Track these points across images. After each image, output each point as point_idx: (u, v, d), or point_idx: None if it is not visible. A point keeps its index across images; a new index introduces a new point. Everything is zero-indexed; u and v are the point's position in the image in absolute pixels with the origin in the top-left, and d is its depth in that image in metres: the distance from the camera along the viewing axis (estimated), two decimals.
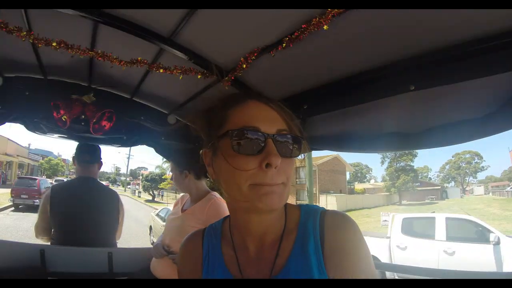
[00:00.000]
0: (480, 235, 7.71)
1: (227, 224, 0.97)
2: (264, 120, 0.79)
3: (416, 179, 46.45)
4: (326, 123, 2.02)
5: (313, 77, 1.84)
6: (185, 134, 2.95)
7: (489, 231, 7.61)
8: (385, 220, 20.50)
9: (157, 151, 3.13)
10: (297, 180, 37.16)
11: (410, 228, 8.52)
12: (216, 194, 2.30)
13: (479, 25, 1.13)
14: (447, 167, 65.19)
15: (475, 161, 61.06)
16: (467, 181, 64.80)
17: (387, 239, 8.33)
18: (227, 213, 0.97)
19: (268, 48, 1.60)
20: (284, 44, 1.48)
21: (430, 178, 61.75)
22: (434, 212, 17.15)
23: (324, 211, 0.87)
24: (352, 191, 48.09)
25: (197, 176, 2.34)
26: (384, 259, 7.99)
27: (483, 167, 61.95)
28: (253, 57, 1.66)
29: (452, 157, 62.55)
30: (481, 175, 63.38)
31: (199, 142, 0.86)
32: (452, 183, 63.15)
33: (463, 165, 62.04)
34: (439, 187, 52.22)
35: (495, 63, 1.18)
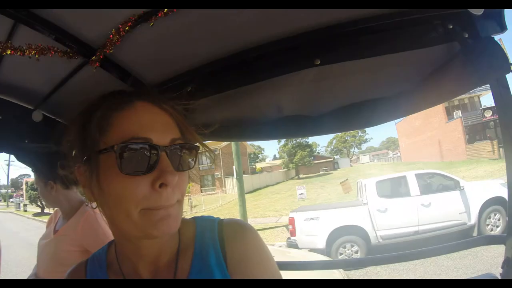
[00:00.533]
0: (447, 184, 9.07)
1: (113, 251, 0.88)
2: (156, 128, 0.72)
3: (312, 153, 50.58)
4: (215, 108, 1.77)
5: (202, 53, 1.58)
6: (52, 134, 2.34)
7: (453, 179, 9.05)
8: (302, 194, 21.90)
9: (19, 158, 2.47)
10: (199, 166, 38.25)
11: (385, 190, 9.28)
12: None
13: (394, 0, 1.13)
14: (334, 141, 76.01)
15: (359, 134, 71.76)
16: (352, 152, 76.84)
17: (365, 206, 8.85)
18: (106, 228, 0.88)
19: (146, 15, 1.31)
20: (166, 10, 1.24)
21: (319, 153, 68.11)
22: (347, 179, 19.16)
23: (221, 221, 0.86)
24: (254, 171, 50.49)
25: (64, 184, 2.04)
26: (367, 226, 8.52)
27: (366, 139, 74.54)
28: (127, 28, 1.37)
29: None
30: (363, 146, 75.11)
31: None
32: (338, 156, 71.92)
33: (349, 138, 72.34)
34: (331, 159, 58.56)
35: (410, 38, 1.27)
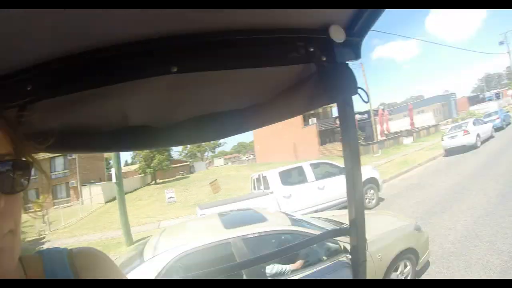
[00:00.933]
0: (333, 170, 11.62)
1: None
2: None
3: (169, 157, 49.68)
4: (57, 114, 1.45)
5: (46, 48, 1.21)
6: None
7: (338, 166, 11.69)
8: (171, 197, 22.30)
9: None
10: (52, 174, 34.49)
11: (287, 179, 11.15)
12: None
13: (262, 17, 1.15)
14: (188, 146, 75.40)
15: None
16: (205, 156, 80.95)
17: (272, 194, 10.57)
18: None
19: None
20: None
21: (172, 157, 68.41)
22: (216, 180, 20.65)
23: (70, 252, 0.82)
24: (111, 178, 47.12)
25: None
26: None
27: (220, 143, 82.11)
28: None
29: None
30: (215, 150, 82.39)
31: None
32: (192, 159, 73.68)
33: (203, 143, 73.90)
34: (188, 163, 59.49)
35: (271, 55, 1.29)
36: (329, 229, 4.41)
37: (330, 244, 4.21)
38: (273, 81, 1.53)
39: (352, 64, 1.42)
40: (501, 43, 54.90)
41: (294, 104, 1.56)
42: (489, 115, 27.63)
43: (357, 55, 1.41)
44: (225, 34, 1.20)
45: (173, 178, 46.47)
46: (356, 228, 1.71)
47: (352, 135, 1.53)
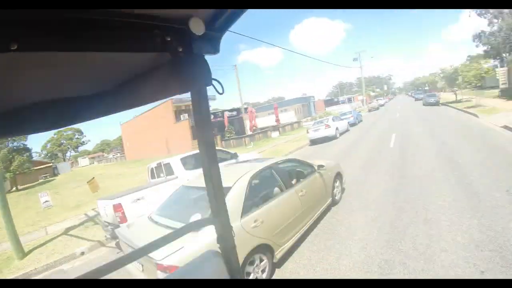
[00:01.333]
0: (226, 156, 13.52)
1: None
2: None
3: (30, 158, 44.43)
4: None
5: None
6: None
7: (230, 153, 13.74)
8: (46, 201, 21.24)
9: None
10: None
11: (188, 165, 12.20)
12: None
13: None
14: (48, 145, 71.47)
15: (76, 137, 73.40)
16: (67, 156, 75.66)
17: (177, 179, 11.18)
18: None
19: None
20: None
21: (32, 157, 62.46)
22: (94, 178, 20.51)
23: None
24: None
25: None
26: None
27: (83, 142, 76.87)
28: None
29: (54, 134, 70.44)
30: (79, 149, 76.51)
31: None
32: (53, 160, 67.79)
33: (65, 142, 71.92)
34: (51, 164, 54.66)
35: (126, 40, 1.22)
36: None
37: (307, 166, 7.47)
38: (124, 67, 1.47)
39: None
40: (355, 59, 72.58)
41: (146, 91, 1.54)
42: (345, 114, 33.92)
43: (215, 50, 1.47)
44: (77, 12, 1.05)
45: (37, 182, 43.03)
46: (220, 218, 1.78)
47: (206, 124, 1.60)
